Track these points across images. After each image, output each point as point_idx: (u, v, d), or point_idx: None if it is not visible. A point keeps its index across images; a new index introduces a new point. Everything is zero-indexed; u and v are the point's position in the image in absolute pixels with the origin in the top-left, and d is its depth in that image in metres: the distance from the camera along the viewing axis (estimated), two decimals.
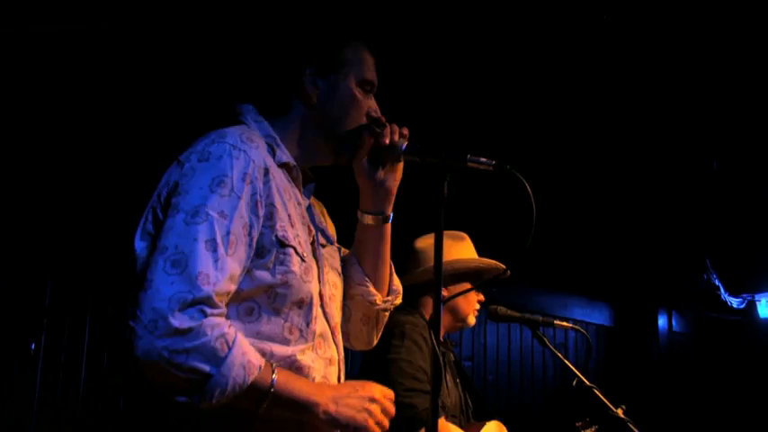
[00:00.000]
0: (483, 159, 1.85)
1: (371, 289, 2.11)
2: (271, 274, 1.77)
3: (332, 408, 1.72)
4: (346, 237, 2.20)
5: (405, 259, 3.32)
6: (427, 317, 3.25)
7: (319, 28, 2.12)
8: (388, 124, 2.00)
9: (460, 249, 3.30)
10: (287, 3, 3.72)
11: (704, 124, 5.10)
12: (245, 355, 1.62)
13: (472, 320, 3.35)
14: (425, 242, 3.35)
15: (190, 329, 1.56)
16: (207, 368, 1.57)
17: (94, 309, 4.40)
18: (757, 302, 7.57)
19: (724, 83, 4.64)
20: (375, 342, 2.23)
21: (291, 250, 1.80)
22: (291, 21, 3.70)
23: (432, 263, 3.25)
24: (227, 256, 1.66)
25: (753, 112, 4.94)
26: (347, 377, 1.99)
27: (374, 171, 2.03)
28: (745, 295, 7.55)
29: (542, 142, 5.11)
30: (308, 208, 2.03)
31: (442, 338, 3.17)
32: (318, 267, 1.93)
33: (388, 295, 2.16)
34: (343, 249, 2.19)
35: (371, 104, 2.04)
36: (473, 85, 4.50)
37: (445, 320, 3.33)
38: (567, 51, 4.32)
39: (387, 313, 2.18)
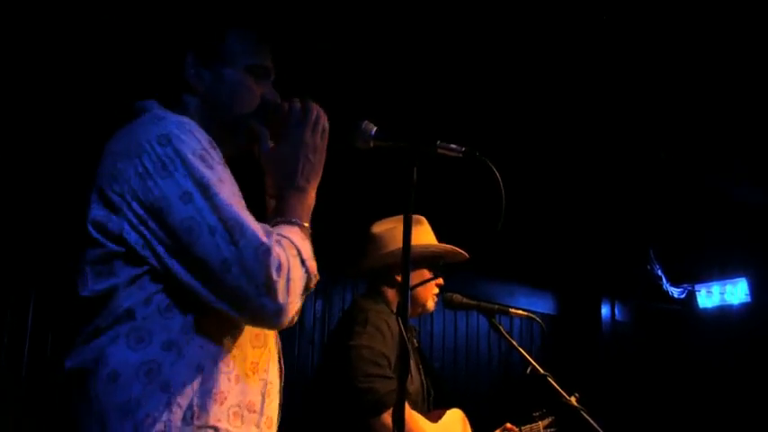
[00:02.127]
0: (453, 146, 1.84)
1: None
2: None
3: None
4: None
5: (362, 244, 3.30)
6: (391, 302, 3.25)
7: (198, 17, 2.07)
8: (285, 101, 1.94)
9: (419, 234, 3.29)
10: None
11: (649, 115, 5.16)
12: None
13: (431, 306, 3.35)
14: (382, 227, 3.34)
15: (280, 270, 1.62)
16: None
17: (38, 290, 4.32)
18: (697, 292, 7.72)
19: (669, 74, 4.69)
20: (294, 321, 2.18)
21: None
22: (170, 12, 3.63)
23: (390, 248, 3.26)
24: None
25: (696, 102, 5.00)
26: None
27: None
28: (685, 285, 7.70)
29: (490, 133, 5.11)
30: None
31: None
32: None
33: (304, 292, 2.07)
34: None
35: (264, 91, 1.98)
36: (431, 72, 4.49)
37: None
38: (519, 42, 4.33)
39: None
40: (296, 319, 2.00)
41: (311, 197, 1.88)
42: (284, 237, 1.69)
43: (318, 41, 2.07)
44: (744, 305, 7.42)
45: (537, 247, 6.72)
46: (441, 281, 3.38)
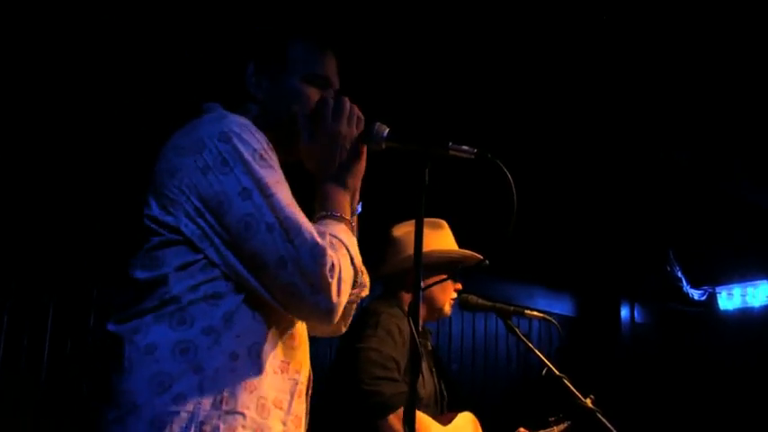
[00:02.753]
0: (465, 147, 1.83)
1: None
2: None
3: None
4: None
5: (382, 247, 3.30)
6: (405, 306, 3.24)
7: (260, 27, 2.10)
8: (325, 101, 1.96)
9: (439, 238, 3.28)
10: (231, 3, 3.70)
11: (671, 117, 5.14)
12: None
13: (448, 310, 3.34)
14: (403, 230, 3.33)
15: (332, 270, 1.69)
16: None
17: (59, 293, 4.35)
18: (718, 295, 7.67)
19: (690, 77, 4.67)
20: (343, 331, 2.19)
21: None
22: (233, 21, 3.68)
23: (408, 252, 3.25)
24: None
25: (719, 104, 4.98)
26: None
27: (327, 162, 1.95)
28: (706, 287, 7.65)
29: (508, 134, 5.10)
30: None
31: (420, 328, 3.16)
32: None
33: (353, 289, 2.12)
34: None
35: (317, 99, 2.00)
36: (444, 74, 4.49)
37: (422, 310, 3.30)
38: (533, 45, 4.32)
39: (353, 306, 2.12)
40: (343, 329, 2.13)
41: (352, 186, 1.94)
42: (335, 237, 1.76)
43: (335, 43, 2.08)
44: (765, 307, 7.35)
45: (556, 249, 6.70)
46: (459, 285, 3.36)
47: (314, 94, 1.99)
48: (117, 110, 4.32)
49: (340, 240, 1.76)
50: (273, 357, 1.78)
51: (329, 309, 1.70)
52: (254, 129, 1.79)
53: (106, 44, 3.94)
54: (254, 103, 1.99)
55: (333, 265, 1.69)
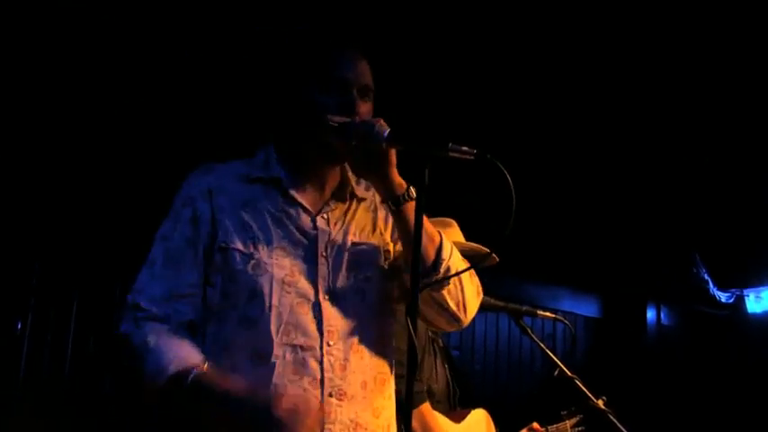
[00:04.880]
0: (464, 148, 1.83)
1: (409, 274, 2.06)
2: (221, 276, 2.01)
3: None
4: None
5: None
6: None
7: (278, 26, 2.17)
8: (351, 122, 1.99)
9: (447, 235, 3.29)
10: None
11: (696, 118, 5.10)
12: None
13: None
14: None
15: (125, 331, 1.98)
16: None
17: (82, 290, 4.41)
18: (746, 297, 7.59)
19: (715, 79, 4.64)
20: (463, 318, 2.19)
21: (235, 251, 1.99)
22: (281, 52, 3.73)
23: None
24: (165, 268, 2.01)
25: (744, 108, 4.94)
26: None
27: (359, 163, 2.02)
28: (733, 290, 7.58)
29: (535, 133, 5.10)
30: (320, 211, 2.09)
31: None
32: (316, 264, 2.02)
33: (425, 276, 2.04)
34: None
35: (339, 103, 2.02)
36: (457, 72, 4.49)
37: None
38: (553, 40, 4.31)
39: (440, 291, 2.07)
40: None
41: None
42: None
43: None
44: None
45: (582, 250, 6.66)
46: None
47: (334, 97, 2.01)
48: (140, 115, 4.38)
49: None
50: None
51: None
52: (197, 176, 2.11)
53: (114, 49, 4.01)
54: (284, 125, 2.13)
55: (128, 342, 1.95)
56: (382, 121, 1.94)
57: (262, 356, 1.91)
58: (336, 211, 2.12)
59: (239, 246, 1.99)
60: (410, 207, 1.98)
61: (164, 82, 4.24)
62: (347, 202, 2.15)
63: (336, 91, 2.02)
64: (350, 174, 2.15)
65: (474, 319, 6.71)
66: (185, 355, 1.89)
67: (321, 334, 1.96)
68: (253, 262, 1.97)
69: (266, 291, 1.94)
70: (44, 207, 4.31)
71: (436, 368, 3.18)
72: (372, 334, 2.08)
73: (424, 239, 1.93)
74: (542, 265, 6.44)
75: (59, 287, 4.34)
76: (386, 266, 2.14)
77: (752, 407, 7.06)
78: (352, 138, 1.95)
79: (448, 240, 2.11)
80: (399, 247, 2.15)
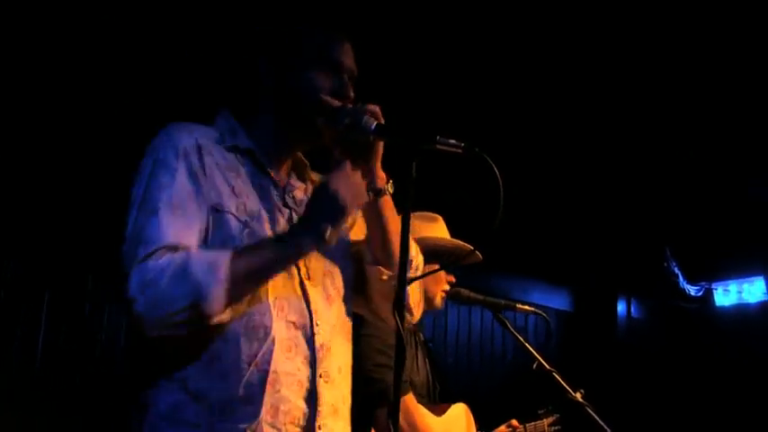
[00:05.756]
0: (452, 141, 1.83)
1: (379, 267, 2.12)
2: (210, 240, 1.88)
3: None
4: None
5: None
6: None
7: (271, 17, 2.14)
8: (343, 107, 1.99)
9: (432, 230, 3.30)
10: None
11: (668, 114, 5.14)
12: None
13: (440, 302, 3.36)
14: None
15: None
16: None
17: (53, 284, 4.36)
18: (714, 291, 7.67)
19: (687, 73, 4.67)
20: (414, 317, 2.30)
21: (229, 216, 1.90)
22: (243, 13, 3.69)
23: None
24: (172, 215, 1.82)
25: (715, 104, 4.98)
26: None
27: (346, 150, 2.00)
28: (702, 284, 7.65)
29: (504, 126, 5.10)
30: (285, 189, 2.08)
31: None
32: None
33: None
34: None
35: (336, 85, 2.03)
36: (433, 67, 4.49)
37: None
38: (530, 35, 4.32)
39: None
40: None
41: None
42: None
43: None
44: (761, 304, 7.36)
45: (554, 244, 6.69)
46: (452, 278, 3.38)
47: (327, 79, 2.02)
48: (113, 103, 4.32)
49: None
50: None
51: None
52: (179, 131, 1.97)
53: (109, 41, 3.96)
54: (267, 100, 2.06)
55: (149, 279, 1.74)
56: (376, 110, 1.93)
57: (259, 329, 1.85)
58: (298, 191, 2.12)
59: (234, 210, 1.92)
60: (386, 201, 2.04)
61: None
62: (306, 183, 2.16)
63: (331, 73, 2.02)
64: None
65: (446, 313, 6.73)
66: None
67: (310, 313, 1.94)
68: (248, 230, 1.91)
69: None
70: (14, 199, 4.25)
71: (417, 361, 3.19)
72: (343, 319, 2.08)
73: (395, 237, 1.97)
74: (514, 258, 6.44)
75: (30, 281, 4.28)
76: (346, 252, 2.15)
77: (719, 397, 7.14)
78: (341, 124, 1.94)
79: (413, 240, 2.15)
80: (356, 236, 2.17)
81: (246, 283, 1.80)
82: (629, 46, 4.43)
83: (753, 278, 7.42)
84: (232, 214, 1.90)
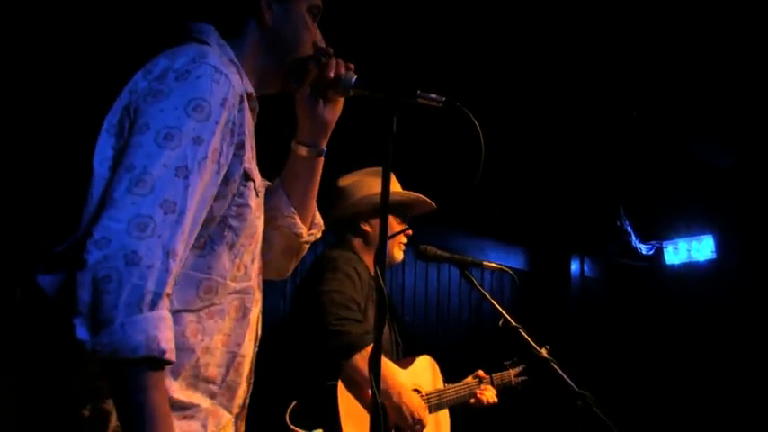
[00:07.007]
0: (433, 96, 1.84)
1: (298, 221, 2.08)
2: (229, 205, 1.70)
3: None
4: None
5: (328, 197, 3.32)
6: (358, 250, 3.30)
7: None
8: (334, 57, 1.97)
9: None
10: None
11: (620, 72, 5.18)
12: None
13: (399, 256, 3.40)
14: (348, 180, 3.39)
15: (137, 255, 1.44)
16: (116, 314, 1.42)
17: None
18: (664, 249, 7.80)
19: (634, 34, 4.71)
20: (290, 272, 2.19)
21: (251, 184, 1.76)
22: None
23: (355, 197, 3.31)
24: (200, 182, 1.57)
25: (668, 61, 5.03)
26: None
27: (315, 103, 2.00)
28: (653, 242, 7.78)
29: (461, 86, 5.10)
30: None
31: (373, 273, 3.20)
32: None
33: (311, 229, 2.14)
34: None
35: (317, 33, 2.00)
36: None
37: (370, 256, 3.37)
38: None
39: (307, 246, 2.15)
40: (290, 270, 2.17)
41: None
42: None
43: None
44: (709, 262, 7.51)
45: (508, 203, 6.74)
46: (410, 232, 3.41)
47: (314, 29, 1.98)
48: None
49: None
50: None
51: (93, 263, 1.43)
52: (230, 72, 1.70)
53: None
54: (258, 27, 1.91)
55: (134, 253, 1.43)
56: (351, 66, 1.93)
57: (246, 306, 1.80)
58: None
59: (257, 180, 1.81)
60: (320, 162, 2.07)
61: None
62: None
63: (314, 20, 2.00)
64: None
65: (403, 271, 6.72)
66: None
67: (257, 284, 1.89)
68: (257, 201, 1.81)
69: (258, 238, 1.86)
70: None
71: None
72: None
73: (314, 197, 2.08)
74: (469, 217, 6.48)
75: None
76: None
77: (669, 353, 7.32)
78: (328, 73, 1.93)
79: None
80: None
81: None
82: (578, 6, 4.45)
83: (701, 236, 7.55)
84: (254, 183, 1.78)
